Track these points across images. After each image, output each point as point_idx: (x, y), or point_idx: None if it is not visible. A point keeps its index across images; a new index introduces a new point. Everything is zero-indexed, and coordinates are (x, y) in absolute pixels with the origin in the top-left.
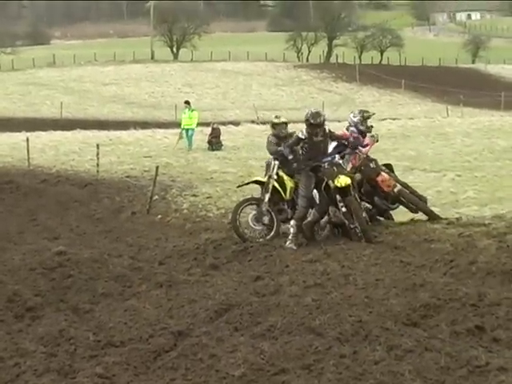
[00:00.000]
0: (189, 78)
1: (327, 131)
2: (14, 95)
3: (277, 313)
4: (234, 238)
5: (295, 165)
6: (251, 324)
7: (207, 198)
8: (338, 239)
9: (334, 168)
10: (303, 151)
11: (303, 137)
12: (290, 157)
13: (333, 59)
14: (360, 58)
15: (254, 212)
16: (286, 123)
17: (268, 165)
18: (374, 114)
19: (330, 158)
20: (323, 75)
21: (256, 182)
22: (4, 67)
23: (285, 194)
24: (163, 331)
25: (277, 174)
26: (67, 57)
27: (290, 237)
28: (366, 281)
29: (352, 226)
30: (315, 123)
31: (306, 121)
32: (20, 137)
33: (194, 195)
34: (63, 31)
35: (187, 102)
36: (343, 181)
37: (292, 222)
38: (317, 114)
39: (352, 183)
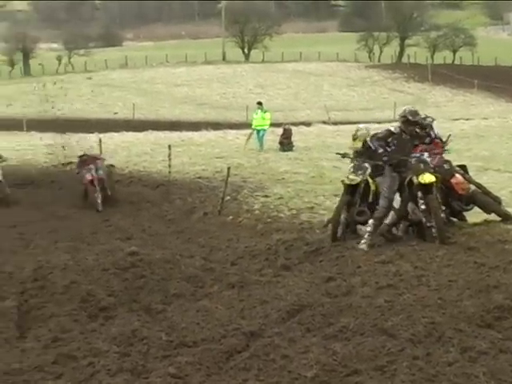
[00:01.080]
0: (260, 79)
1: (415, 132)
2: (87, 96)
3: (349, 314)
4: (305, 239)
5: (384, 158)
6: (323, 325)
7: (278, 198)
8: (411, 240)
9: (421, 165)
10: (390, 147)
11: (395, 131)
12: (380, 150)
13: (405, 59)
14: (432, 57)
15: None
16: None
17: (357, 166)
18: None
19: (418, 155)
20: (395, 75)
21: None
22: (77, 69)
23: (368, 196)
24: (235, 332)
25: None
26: (139, 58)
27: (365, 236)
28: (439, 282)
29: (429, 225)
30: (413, 120)
31: (403, 117)
32: (93, 138)
33: (266, 196)
34: (135, 33)
35: (260, 103)
36: (427, 178)
37: (370, 222)
38: (415, 112)
39: (436, 182)
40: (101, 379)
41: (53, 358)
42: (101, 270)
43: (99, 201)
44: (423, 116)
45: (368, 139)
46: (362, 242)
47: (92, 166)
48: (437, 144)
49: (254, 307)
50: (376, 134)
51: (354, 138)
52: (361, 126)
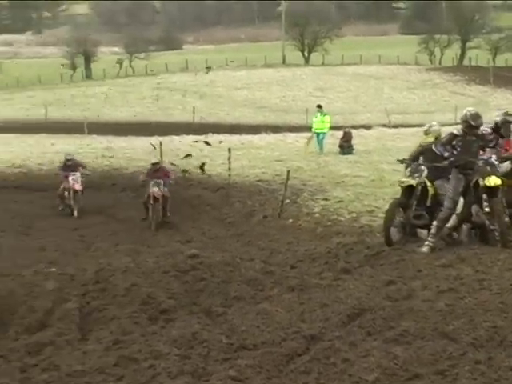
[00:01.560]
0: (320, 82)
1: (480, 133)
2: (147, 100)
3: (410, 317)
4: (365, 242)
5: (451, 159)
6: (384, 329)
7: (338, 201)
8: (472, 243)
9: (488, 167)
10: (456, 149)
11: (458, 133)
12: (446, 154)
13: (466, 62)
14: (494, 60)
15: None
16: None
17: (414, 169)
18: None
19: (486, 157)
20: (456, 78)
21: (407, 186)
22: (138, 72)
23: (426, 199)
24: (295, 335)
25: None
26: (199, 61)
27: (429, 237)
28: (501, 286)
29: (492, 228)
30: (475, 125)
31: (465, 122)
32: (153, 141)
33: (326, 199)
34: (195, 36)
35: (319, 106)
36: (493, 181)
37: (434, 223)
38: (476, 116)
39: (502, 185)
40: (162, 381)
41: (114, 360)
42: (161, 272)
43: (153, 224)
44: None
45: (433, 147)
46: (425, 243)
47: (161, 181)
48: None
49: (314, 310)
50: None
51: (427, 133)
52: (434, 122)
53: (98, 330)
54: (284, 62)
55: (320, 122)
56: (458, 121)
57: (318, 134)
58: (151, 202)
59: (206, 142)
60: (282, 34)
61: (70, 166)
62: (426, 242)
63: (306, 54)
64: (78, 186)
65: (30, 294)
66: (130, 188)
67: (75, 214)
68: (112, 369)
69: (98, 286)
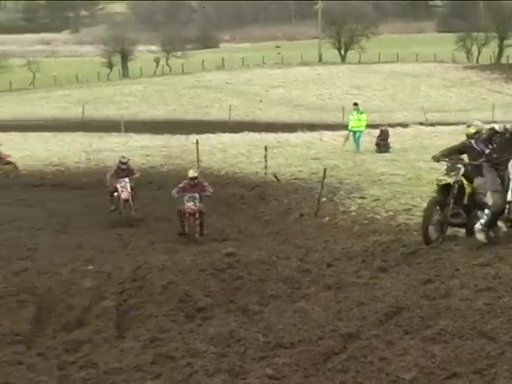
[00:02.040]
0: (356, 80)
1: None
2: (184, 98)
3: (447, 316)
4: (402, 241)
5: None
6: (421, 327)
7: (375, 200)
8: (511, 242)
9: None
10: (493, 145)
11: (499, 130)
12: (487, 151)
13: (504, 60)
14: None
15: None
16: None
17: (451, 167)
18: None
19: None
20: (494, 76)
21: (444, 184)
22: (175, 70)
23: (463, 198)
24: (333, 333)
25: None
26: (236, 60)
27: (479, 225)
28: None
29: None
30: None
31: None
32: (190, 139)
33: (362, 197)
34: (232, 34)
35: (356, 104)
36: None
37: (486, 211)
38: None
39: None
40: (199, 379)
41: (151, 357)
42: (198, 270)
43: (189, 238)
44: None
45: (473, 141)
46: (479, 230)
47: (196, 195)
48: None
49: (351, 309)
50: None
51: (469, 125)
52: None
53: (135, 327)
54: (320, 60)
55: (356, 120)
56: (496, 119)
57: (354, 133)
58: (186, 216)
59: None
60: (318, 32)
61: (123, 170)
62: (479, 230)
63: (342, 51)
64: (125, 195)
65: (67, 292)
66: (167, 186)
67: (131, 214)
68: (149, 366)
69: (135, 284)
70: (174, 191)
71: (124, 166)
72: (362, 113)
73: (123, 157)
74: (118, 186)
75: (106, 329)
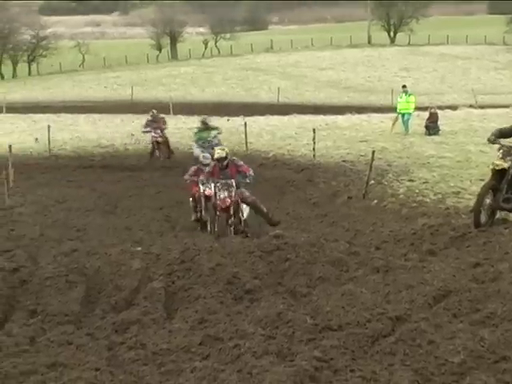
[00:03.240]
0: (405, 62)
1: None
2: (232, 80)
3: (497, 300)
4: (451, 224)
5: None
6: (470, 311)
7: (424, 182)
8: None
9: None
10: None
11: None
12: None
13: None
14: None
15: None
16: None
17: (507, 152)
18: None
19: None
20: None
21: (496, 170)
22: (223, 52)
23: None
24: (381, 316)
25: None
26: (284, 42)
27: None
28: None
29: None
30: None
31: None
32: (238, 121)
33: (411, 180)
34: (281, 16)
35: (404, 86)
36: None
37: None
38: None
39: None
40: (247, 361)
41: (199, 339)
42: (246, 252)
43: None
44: None
45: None
46: None
47: (232, 182)
48: None
49: (399, 292)
50: None
51: None
52: None
53: (184, 309)
54: (369, 42)
55: (405, 103)
56: None
57: (403, 115)
58: (217, 212)
59: None
60: (367, 13)
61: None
62: None
63: (391, 34)
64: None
65: (116, 273)
66: None
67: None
68: (197, 348)
69: (184, 265)
70: (197, 177)
71: (207, 161)
72: (410, 95)
73: (204, 154)
74: (201, 185)
75: (155, 310)
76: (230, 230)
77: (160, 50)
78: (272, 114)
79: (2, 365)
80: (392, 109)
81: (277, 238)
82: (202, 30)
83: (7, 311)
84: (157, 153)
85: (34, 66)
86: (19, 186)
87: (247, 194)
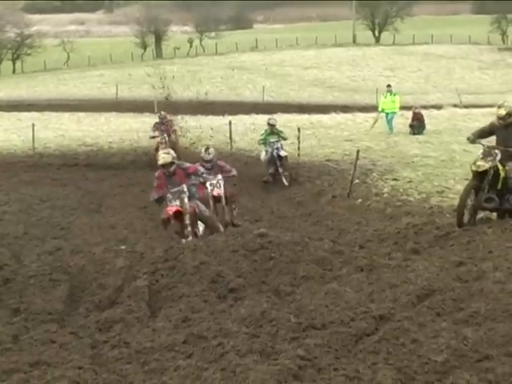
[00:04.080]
0: (390, 62)
1: None
2: (217, 79)
3: (480, 299)
4: (435, 223)
5: None
6: (454, 310)
7: (408, 182)
8: None
9: None
10: None
11: None
12: None
13: None
14: None
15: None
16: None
17: (487, 152)
18: None
19: None
20: None
21: (477, 171)
22: (208, 51)
23: (497, 183)
24: (364, 315)
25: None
26: (269, 41)
27: None
28: None
29: None
30: None
31: None
32: (223, 120)
33: (395, 179)
34: (266, 15)
35: (389, 86)
36: None
37: None
38: None
39: None
40: (230, 359)
41: (183, 337)
42: (230, 251)
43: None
44: None
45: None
46: None
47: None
48: None
49: (383, 291)
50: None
51: (499, 106)
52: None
53: (168, 307)
54: (354, 41)
55: (390, 102)
56: None
57: (387, 114)
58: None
59: None
60: (352, 13)
61: (209, 161)
62: None
63: (376, 33)
64: (217, 191)
65: (100, 272)
66: None
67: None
68: (181, 346)
69: (168, 264)
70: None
71: (209, 157)
72: (395, 95)
73: (208, 148)
74: (208, 183)
75: (139, 308)
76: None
77: (145, 48)
78: (257, 112)
79: None
80: (376, 108)
81: (261, 237)
82: (186, 28)
83: None
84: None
85: (18, 64)
86: (3, 184)
87: (203, 207)
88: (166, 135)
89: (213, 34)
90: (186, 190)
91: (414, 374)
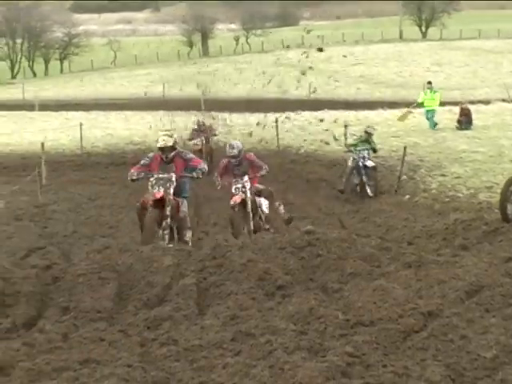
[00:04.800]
0: (437, 57)
1: None
2: (263, 76)
3: None
4: (484, 219)
5: None
6: (503, 305)
7: (456, 177)
8: None
9: None
10: None
11: None
12: None
13: None
14: None
15: None
16: None
17: None
18: None
19: None
20: None
21: None
22: (254, 48)
23: None
24: (413, 311)
25: None
26: (316, 38)
27: None
28: None
29: None
30: None
31: None
32: (269, 117)
33: (443, 175)
34: (312, 12)
35: (430, 83)
36: None
37: None
38: None
39: None
40: (278, 357)
41: (231, 335)
42: (277, 248)
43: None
44: None
45: None
46: None
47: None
48: None
49: (431, 287)
50: None
51: None
52: None
53: (215, 305)
54: (401, 36)
55: (431, 100)
56: None
57: (427, 111)
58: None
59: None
60: (399, 8)
61: (234, 156)
62: None
63: (423, 28)
64: (240, 197)
65: (148, 270)
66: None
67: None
68: (229, 344)
69: (215, 261)
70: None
71: (235, 151)
72: (435, 92)
73: (232, 144)
74: (233, 187)
75: (187, 306)
76: (163, 234)
77: (191, 46)
78: (303, 109)
79: (35, 361)
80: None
81: (308, 234)
82: (233, 26)
83: (40, 308)
84: None
85: (65, 63)
86: (52, 183)
87: (184, 208)
88: (203, 138)
89: (259, 32)
90: (174, 179)
91: (463, 370)
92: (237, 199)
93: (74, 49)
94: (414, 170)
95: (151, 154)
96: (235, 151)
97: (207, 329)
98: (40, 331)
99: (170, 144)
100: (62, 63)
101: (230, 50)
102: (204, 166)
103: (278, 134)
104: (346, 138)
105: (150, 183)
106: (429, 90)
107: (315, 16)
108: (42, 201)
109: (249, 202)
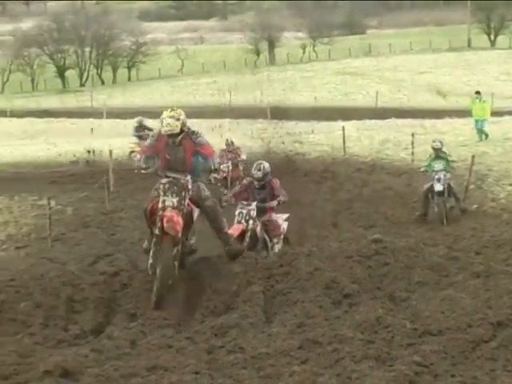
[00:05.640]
0: (506, 66)
1: None
2: (330, 84)
3: None
4: None
5: None
6: None
7: None
8: None
9: None
10: None
11: None
12: None
13: None
14: None
15: None
16: None
17: None
18: None
19: None
20: None
21: None
22: (321, 57)
23: None
24: (481, 321)
25: None
26: (382, 46)
27: None
28: None
29: None
30: None
31: None
32: (336, 126)
33: None
34: (379, 20)
35: (478, 93)
36: None
37: None
38: None
39: None
40: (345, 365)
41: (298, 343)
42: (344, 257)
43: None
44: None
45: None
46: None
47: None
48: None
49: (500, 297)
50: None
51: None
52: None
53: (282, 313)
54: (469, 45)
55: (481, 110)
56: None
57: (476, 121)
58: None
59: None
60: (467, 17)
61: (260, 179)
62: None
63: (492, 37)
64: (243, 226)
65: (215, 277)
66: (313, 173)
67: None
68: (296, 352)
69: (282, 269)
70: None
71: (259, 184)
72: (484, 101)
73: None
74: (237, 212)
75: (254, 314)
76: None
77: (258, 54)
78: (370, 118)
79: (103, 368)
80: (493, 113)
81: (375, 243)
82: (300, 34)
83: (108, 314)
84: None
85: (133, 71)
86: (120, 190)
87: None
88: (230, 164)
89: (326, 40)
90: (189, 185)
91: None
92: (235, 231)
93: (141, 57)
94: (481, 179)
95: (155, 133)
96: (260, 174)
97: (274, 336)
98: (108, 337)
99: (177, 131)
100: (129, 71)
101: (296, 58)
102: (216, 159)
103: (344, 142)
104: (413, 147)
105: (160, 188)
106: (478, 100)
107: (382, 24)
108: (109, 208)
109: (248, 234)
